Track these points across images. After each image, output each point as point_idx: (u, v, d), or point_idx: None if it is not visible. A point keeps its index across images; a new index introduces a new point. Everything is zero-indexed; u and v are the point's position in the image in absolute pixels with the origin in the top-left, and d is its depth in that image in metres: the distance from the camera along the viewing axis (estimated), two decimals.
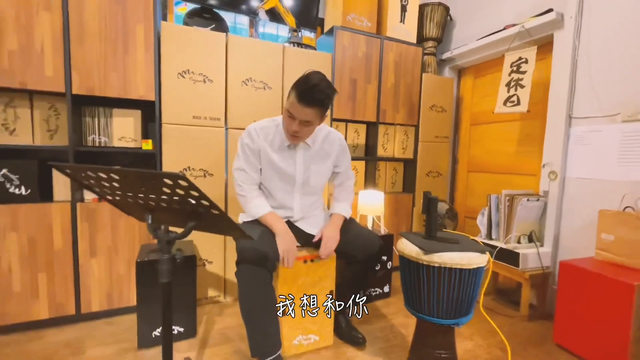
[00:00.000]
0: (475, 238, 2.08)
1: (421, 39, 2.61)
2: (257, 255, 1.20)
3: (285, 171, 1.40)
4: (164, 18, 2.02)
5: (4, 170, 1.53)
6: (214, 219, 0.88)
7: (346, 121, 2.35)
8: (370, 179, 2.44)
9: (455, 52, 2.61)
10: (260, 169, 1.42)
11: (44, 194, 1.61)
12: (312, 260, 1.45)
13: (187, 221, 0.92)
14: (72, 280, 1.63)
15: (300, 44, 2.10)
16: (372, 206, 2.07)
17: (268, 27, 2.35)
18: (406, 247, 1.24)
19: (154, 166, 1.76)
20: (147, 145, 1.76)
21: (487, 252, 1.20)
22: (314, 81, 1.19)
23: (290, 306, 1.41)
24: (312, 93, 1.18)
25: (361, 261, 1.48)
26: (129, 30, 1.63)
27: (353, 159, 2.32)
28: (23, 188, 1.57)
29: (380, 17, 2.36)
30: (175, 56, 1.72)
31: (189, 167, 1.80)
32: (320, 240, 1.42)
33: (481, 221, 2.14)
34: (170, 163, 1.75)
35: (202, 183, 1.83)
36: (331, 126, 2.17)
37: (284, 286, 1.41)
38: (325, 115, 1.33)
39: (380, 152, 2.46)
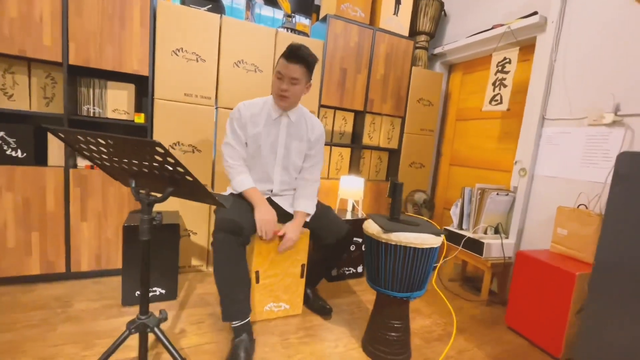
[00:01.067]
0: (448, 227, 2.21)
1: (414, 32, 2.67)
2: (233, 226, 1.31)
3: (268, 143, 1.50)
4: None
5: (2, 134, 1.62)
6: (190, 186, 0.98)
7: (334, 108, 2.43)
8: (354, 166, 2.55)
9: (446, 47, 2.67)
10: (246, 143, 1.51)
11: (39, 158, 1.71)
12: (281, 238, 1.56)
13: (166, 187, 1.02)
14: (63, 241, 1.74)
15: (293, 30, 2.16)
16: (352, 191, 2.18)
17: (265, 10, 2.40)
18: (370, 226, 1.36)
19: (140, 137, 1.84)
20: (140, 118, 1.85)
21: (443, 236, 1.32)
22: (299, 44, 1.39)
23: (257, 279, 1.53)
24: (298, 50, 1.37)
25: (330, 245, 1.60)
26: (126, 5, 1.69)
27: (339, 145, 2.44)
28: (19, 151, 1.66)
29: (374, 8, 2.41)
30: (169, 34, 1.79)
31: (178, 142, 1.89)
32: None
33: (454, 212, 2.26)
34: (160, 137, 1.84)
35: (190, 158, 1.92)
36: (319, 112, 2.26)
37: (258, 257, 1.53)
38: (310, 83, 1.48)
39: (366, 140, 2.56)
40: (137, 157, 0.93)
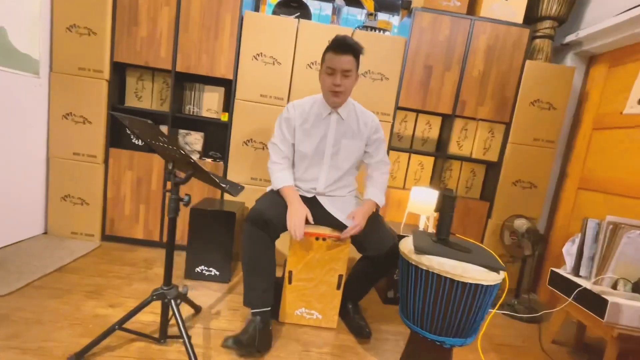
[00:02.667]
0: (557, 270, 1.66)
1: (533, 18, 2.14)
2: (261, 218, 1.31)
3: (317, 140, 1.46)
4: (257, 9, 2.31)
5: None
6: (202, 171, 1.03)
7: (417, 111, 2.18)
8: (437, 178, 2.21)
9: (582, 33, 2.03)
10: (293, 144, 1.50)
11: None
12: (324, 239, 1.47)
13: (189, 170, 1.10)
14: (159, 216, 2.12)
15: (374, 28, 2.06)
16: (424, 205, 1.89)
17: (353, 12, 2.37)
18: (405, 244, 1.13)
19: (226, 135, 2.07)
20: (225, 117, 2.10)
21: (503, 272, 0.98)
22: (344, 35, 1.34)
23: (290, 279, 1.48)
24: (345, 41, 1.31)
25: (372, 258, 1.43)
26: (220, 19, 1.96)
27: (420, 152, 2.17)
28: (139, 140, 2.12)
29: None
30: (252, 41, 1.97)
31: (251, 139, 2.05)
32: (345, 222, 1.44)
33: (569, 250, 1.67)
34: (237, 133, 2.04)
35: (260, 155, 2.05)
36: (395, 114, 2.06)
37: (293, 257, 1.48)
38: (357, 75, 1.41)
39: (454, 149, 2.19)
40: (165, 141, 1.03)
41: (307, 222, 1.39)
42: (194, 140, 2.19)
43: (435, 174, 2.24)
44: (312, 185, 1.51)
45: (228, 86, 2.12)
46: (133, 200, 2.10)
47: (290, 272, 1.50)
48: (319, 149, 1.47)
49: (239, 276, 1.94)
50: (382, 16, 2.21)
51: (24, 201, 1.93)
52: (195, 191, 2.10)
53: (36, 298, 1.43)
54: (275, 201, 1.43)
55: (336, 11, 2.32)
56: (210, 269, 1.81)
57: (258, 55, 1.98)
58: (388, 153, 2.09)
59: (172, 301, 1.16)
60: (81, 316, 1.36)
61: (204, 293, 1.68)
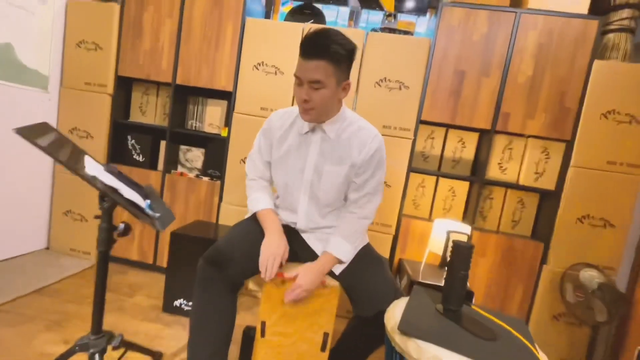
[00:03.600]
0: None
1: (605, 7, 1.66)
2: (218, 257, 1.04)
3: (294, 162, 1.14)
4: (267, 17, 2.16)
5: (133, 141, 2.03)
6: (118, 196, 0.81)
7: (446, 126, 1.80)
8: (473, 208, 1.77)
9: None
10: (269, 163, 1.23)
11: (153, 163, 2.04)
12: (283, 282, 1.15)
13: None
14: (154, 237, 1.98)
15: (392, 30, 1.76)
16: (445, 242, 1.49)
17: (373, 16, 2.11)
18: (393, 311, 0.78)
19: (224, 151, 1.89)
20: (224, 132, 1.93)
21: None
22: (318, 30, 0.97)
23: (262, 331, 1.17)
24: (316, 39, 0.95)
25: (367, 317, 1.07)
26: (221, 28, 1.82)
27: (450, 176, 1.77)
28: (141, 156, 2.03)
29: None
30: (253, 49, 1.79)
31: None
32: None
33: None
34: (235, 150, 1.85)
35: None
36: (417, 129, 1.70)
37: (267, 303, 1.19)
38: (347, 82, 1.04)
39: (494, 173, 1.75)
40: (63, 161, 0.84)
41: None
42: (194, 157, 2.04)
43: (471, 203, 1.80)
44: (292, 218, 1.20)
45: (230, 99, 1.95)
46: (129, 219, 2.00)
47: (263, 323, 1.20)
48: (297, 174, 1.15)
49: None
50: (405, 17, 1.91)
51: (29, 215, 1.92)
52: (191, 210, 1.93)
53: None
54: (246, 234, 1.15)
55: (353, 16, 2.07)
56: (190, 303, 1.59)
57: (259, 64, 1.79)
58: (407, 176, 1.72)
59: (97, 355, 0.93)
60: (26, 353, 1.20)
61: (176, 333, 1.46)
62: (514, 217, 1.80)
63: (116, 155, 2.01)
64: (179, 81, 1.88)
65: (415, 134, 1.71)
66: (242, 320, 1.63)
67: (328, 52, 0.95)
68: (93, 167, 0.92)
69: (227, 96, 1.92)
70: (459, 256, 0.72)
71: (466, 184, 1.81)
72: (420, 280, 1.44)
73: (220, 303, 1.05)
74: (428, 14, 1.95)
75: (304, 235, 1.20)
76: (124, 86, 2.01)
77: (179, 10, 1.84)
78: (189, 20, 1.84)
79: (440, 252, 1.51)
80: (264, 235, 1.11)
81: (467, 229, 1.49)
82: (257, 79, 1.80)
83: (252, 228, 1.16)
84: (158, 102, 2.03)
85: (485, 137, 1.76)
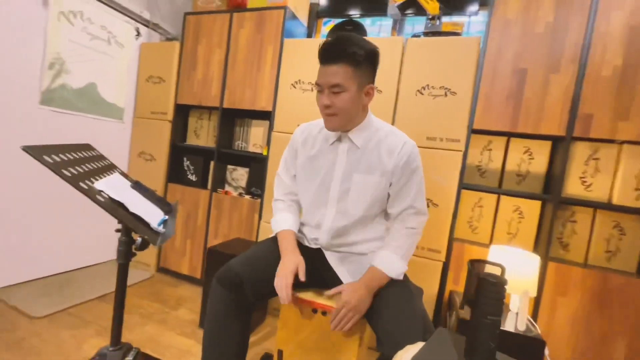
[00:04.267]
0: None
1: None
2: (230, 276, 1.00)
3: (320, 174, 1.09)
4: (309, 37, 2.18)
5: (188, 162, 2.20)
6: (112, 210, 0.83)
7: (506, 134, 1.53)
8: (546, 233, 1.44)
9: None
10: (295, 176, 1.19)
11: (204, 182, 2.17)
12: (323, 313, 1.04)
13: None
14: (201, 252, 2.07)
15: (437, 33, 1.60)
16: (515, 276, 1.21)
17: (420, 24, 1.97)
18: (402, 357, 0.62)
19: (263, 169, 1.91)
20: (265, 151, 1.96)
21: None
22: (339, 35, 0.97)
23: (281, 358, 1.07)
24: (334, 44, 0.95)
25: (386, 356, 0.91)
26: (262, 52, 1.90)
27: (516, 194, 1.49)
28: (194, 176, 2.18)
29: None
30: (290, 68, 1.81)
31: None
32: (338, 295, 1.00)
33: None
34: (274, 168, 1.84)
35: None
36: (468, 140, 1.48)
37: (283, 330, 1.10)
38: (370, 86, 1.00)
39: (575, 189, 1.40)
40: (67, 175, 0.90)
41: (298, 281, 1.01)
42: (239, 176, 2.11)
43: (544, 227, 1.47)
44: (315, 233, 1.12)
45: (270, 118, 1.99)
46: (182, 235, 2.13)
47: (280, 352, 1.11)
48: (323, 186, 1.09)
49: (262, 335, 1.63)
50: (453, 19, 1.72)
51: (102, 227, 2.20)
52: (234, 228, 1.97)
53: (58, 326, 1.48)
54: (264, 254, 1.09)
55: (397, 25, 1.96)
56: None
57: (296, 83, 1.79)
58: (459, 194, 1.49)
59: None
60: (76, 356, 1.31)
61: None
62: (608, 246, 1.40)
63: (173, 175, 2.20)
64: (225, 105, 2.00)
65: (466, 145, 1.49)
66: (269, 343, 1.55)
67: (345, 54, 0.93)
68: (118, 183, 0.98)
69: (268, 116, 1.96)
70: (486, 295, 0.53)
71: (537, 204, 1.49)
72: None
73: (232, 322, 1.00)
74: (479, 12, 1.74)
75: (326, 254, 1.10)
76: (182, 113, 2.22)
77: (227, 39, 1.98)
78: (235, 47, 1.96)
79: None
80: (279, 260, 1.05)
81: (534, 260, 1.20)
82: (294, 97, 1.80)
83: (272, 248, 1.11)
84: (210, 126, 2.18)
85: (559, 145, 1.44)
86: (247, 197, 1.99)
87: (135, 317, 1.64)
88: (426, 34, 1.62)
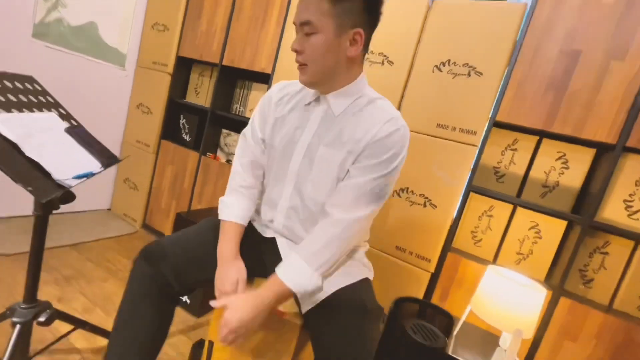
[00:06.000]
0: None
1: None
2: (153, 249, 0.85)
3: (285, 142, 0.87)
4: None
5: (184, 120, 2.08)
6: None
7: (538, 133, 1.23)
8: (562, 264, 1.16)
9: None
10: (264, 141, 0.95)
11: (197, 143, 2.04)
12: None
13: None
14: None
15: None
16: (509, 308, 0.97)
17: None
18: None
19: None
20: None
21: None
22: None
23: (209, 354, 0.94)
24: None
25: None
26: (269, 5, 1.67)
27: (538, 209, 1.22)
28: (188, 135, 2.06)
29: None
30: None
31: None
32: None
33: None
34: None
35: None
36: (488, 134, 1.21)
37: (217, 322, 0.95)
38: (357, 30, 0.75)
39: (615, 214, 1.10)
40: None
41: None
42: (232, 142, 1.96)
43: (565, 253, 1.19)
44: (270, 214, 0.93)
45: (269, 82, 1.79)
46: (169, 195, 2.05)
47: (210, 344, 0.97)
48: (284, 155, 0.88)
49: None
50: None
51: (99, 177, 2.16)
52: (218, 195, 1.84)
53: (19, 267, 1.45)
54: (200, 239, 0.91)
55: None
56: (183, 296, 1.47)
57: None
58: (466, 197, 1.24)
59: (18, 327, 0.85)
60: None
61: None
62: None
63: (168, 132, 2.09)
64: (225, 62, 1.82)
65: (484, 140, 1.21)
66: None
67: None
68: (42, 123, 0.84)
69: (267, 79, 1.76)
70: None
71: (562, 224, 1.20)
72: (450, 353, 0.97)
73: (146, 309, 0.83)
74: None
75: (279, 242, 0.92)
76: (184, 67, 2.07)
77: None
78: (241, 1, 1.76)
79: (485, 316, 0.99)
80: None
81: (539, 294, 0.95)
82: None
83: (210, 236, 0.91)
84: (211, 84, 2.03)
85: (605, 156, 1.13)
86: None
87: (100, 271, 1.58)
88: None
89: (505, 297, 0.95)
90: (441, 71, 1.27)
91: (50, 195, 0.68)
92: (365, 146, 0.78)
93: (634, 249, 1.11)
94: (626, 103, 1.03)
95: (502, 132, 1.28)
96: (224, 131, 1.99)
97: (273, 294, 0.74)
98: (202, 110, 1.98)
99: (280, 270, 0.76)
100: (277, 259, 0.86)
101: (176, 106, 2.08)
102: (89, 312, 1.30)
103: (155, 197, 2.09)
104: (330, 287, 0.79)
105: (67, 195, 0.84)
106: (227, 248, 0.86)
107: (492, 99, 1.19)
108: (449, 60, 1.25)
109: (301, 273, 0.75)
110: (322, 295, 0.77)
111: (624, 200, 1.09)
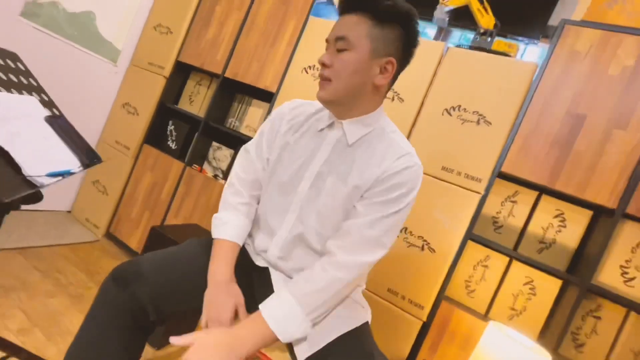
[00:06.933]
0: None
1: None
2: (129, 269, 0.72)
3: (294, 168, 0.80)
4: None
5: (172, 127, 1.96)
6: None
7: (539, 189, 1.24)
8: (556, 325, 1.13)
9: None
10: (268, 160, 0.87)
11: (184, 153, 1.91)
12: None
13: None
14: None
15: (487, 50, 1.33)
16: None
17: (471, 34, 1.72)
18: None
19: None
20: None
21: None
22: None
23: None
24: None
25: None
26: (283, 25, 1.66)
27: (533, 264, 1.19)
28: (175, 143, 1.93)
29: None
30: (308, 50, 1.56)
31: None
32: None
33: None
34: None
35: None
36: (491, 183, 1.20)
37: None
38: (390, 59, 0.72)
39: (611, 279, 1.10)
40: None
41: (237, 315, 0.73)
42: (222, 157, 1.86)
43: (559, 314, 1.16)
44: (264, 244, 0.83)
45: (271, 101, 1.74)
46: (142, 204, 1.87)
47: None
48: (291, 182, 0.80)
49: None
50: (507, 40, 1.47)
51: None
52: (198, 212, 1.70)
53: None
54: (186, 257, 0.80)
55: (441, 34, 1.71)
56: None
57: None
58: (464, 244, 1.21)
59: None
60: None
61: None
62: (638, 358, 1.08)
63: (152, 138, 1.95)
64: (228, 74, 1.76)
65: (487, 189, 1.20)
66: None
67: (368, 3, 0.69)
68: (20, 107, 0.72)
69: (271, 97, 1.71)
70: None
71: (557, 283, 1.19)
72: None
73: (115, 340, 0.69)
74: (539, 43, 1.47)
75: (272, 274, 0.82)
76: (182, 73, 1.99)
77: (249, 4, 1.75)
78: (254, 14, 1.73)
79: None
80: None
81: (546, 357, 0.89)
82: (303, 82, 1.55)
83: (198, 254, 0.82)
84: (207, 94, 1.94)
85: (603, 219, 1.15)
86: (223, 182, 1.73)
87: (47, 283, 1.37)
88: (472, 48, 1.35)
89: (509, 359, 0.89)
90: (451, 115, 1.27)
91: (16, 194, 0.56)
92: (375, 181, 0.72)
93: (627, 316, 1.11)
94: (627, 170, 1.06)
95: (504, 184, 1.28)
96: (215, 144, 1.89)
97: (252, 336, 0.63)
98: (194, 119, 1.88)
99: (265, 307, 0.66)
100: (269, 291, 0.76)
101: (166, 111, 1.96)
102: (25, 334, 1.10)
103: (127, 204, 1.91)
104: (332, 332, 0.70)
105: (34, 195, 0.71)
106: (222, 270, 0.76)
107: (500, 149, 1.20)
108: (459, 106, 1.26)
109: (290, 315, 0.65)
110: (322, 342, 0.68)
111: (620, 266, 1.09)
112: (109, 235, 1.93)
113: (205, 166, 1.88)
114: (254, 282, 0.84)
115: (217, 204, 1.68)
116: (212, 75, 1.93)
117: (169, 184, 1.81)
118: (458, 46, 1.36)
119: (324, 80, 0.72)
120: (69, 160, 0.78)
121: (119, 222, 1.92)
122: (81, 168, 0.80)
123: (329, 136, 0.79)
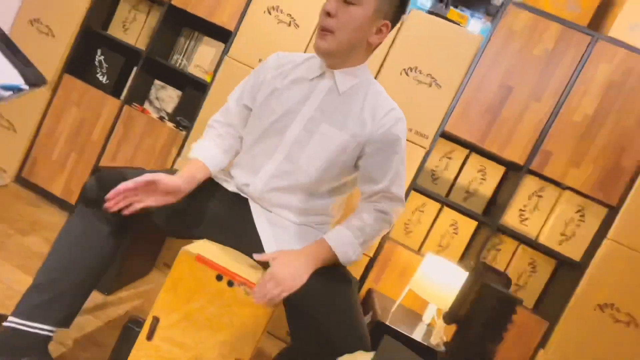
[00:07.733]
0: None
1: None
2: (112, 174, 0.76)
3: (284, 108, 0.82)
4: None
5: (101, 57, 1.68)
6: None
7: (470, 147, 1.47)
8: (473, 254, 1.43)
9: None
10: (250, 110, 0.90)
11: (117, 89, 1.67)
12: (230, 283, 0.79)
13: None
14: (88, 173, 1.60)
15: (441, 17, 1.44)
16: (437, 287, 1.13)
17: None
18: None
19: (200, 98, 1.53)
20: (209, 78, 1.58)
21: None
22: None
23: (151, 332, 0.80)
24: None
25: (307, 353, 0.73)
26: None
27: (458, 208, 1.43)
28: (106, 77, 1.68)
29: (607, 4, 1.37)
30: None
31: None
32: (264, 264, 0.77)
33: None
34: (215, 100, 1.49)
35: None
36: (435, 141, 1.37)
37: (168, 295, 0.82)
38: (385, 22, 0.77)
39: (512, 220, 1.41)
40: None
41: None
42: (167, 97, 1.69)
43: (473, 247, 1.46)
44: (246, 178, 0.86)
45: (228, 41, 1.62)
46: (67, 144, 1.62)
47: (155, 320, 0.82)
48: (278, 125, 0.83)
49: (130, 293, 1.30)
50: (459, 11, 1.61)
51: None
52: (140, 156, 1.56)
53: None
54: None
55: None
56: None
57: (273, 8, 1.46)
58: (408, 193, 1.38)
59: None
60: None
61: None
62: (518, 280, 1.45)
63: (75, 66, 1.65)
64: (175, 1, 1.55)
65: (431, 146, 1.38)
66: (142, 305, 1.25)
67: None
68: None
69: (226, 36, 1.59)
70: (494, 316, 0.36)
71: (473, 224, 1.47)
72: (388, 323, 1.08)
73: (90, 233, 0.76)
74: (483, 16, 1.65)
75: (252, 207, 0.85)
76: None
77: None
78: None
79: (423, 293, 1.15)
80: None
81: (461, 275, 1.14)
82: (265, 24, 1.47)
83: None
84: (147, 24, 1.69)
85: (512, 174, 1.44)
86: (170, 124, 1.60)
87: None
88: (430, 12, 1.45)
89: (440, 275, 1.12)
90: (408, 75, 1.38)
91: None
92: (371, 137, 0.81)
93: (517, 248, 1.45)
94: (535, 134, 1.34)
95: (444, 143, 1.48)
96: (158, 82, 1.70)
97: (322, 258, 0.74)
98: (131, 50, 1.64)
99: (330, 239, 0.76)
100: (244, 219, 0.84)
101: (93, 37, 1.66)
102: None
103: (44, 144, 1.63)
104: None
105: None
106: (186, 170, 0.81)
107: (445, 111, 1.36)
108: (416, 67, 1.38)
109: (348, 244, 0.77)
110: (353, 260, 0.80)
111: (520, 210, 1.41)
112: (21, 180, 1.65)
113: (147, 106, 1.70)
114: (229, 207, 0.87)
115: (164, 149, 1.59)
116: (152, 1, 1.67)
117: (102, 123, 1.60)
118: (419, 9, 1.45)
119: (326, 31, 0.73)
120: (12, 75, 0.66)
121: (34, 165, 1.64)
122: (27, 87, 0.69)
123: (321, 84, 0.83)
